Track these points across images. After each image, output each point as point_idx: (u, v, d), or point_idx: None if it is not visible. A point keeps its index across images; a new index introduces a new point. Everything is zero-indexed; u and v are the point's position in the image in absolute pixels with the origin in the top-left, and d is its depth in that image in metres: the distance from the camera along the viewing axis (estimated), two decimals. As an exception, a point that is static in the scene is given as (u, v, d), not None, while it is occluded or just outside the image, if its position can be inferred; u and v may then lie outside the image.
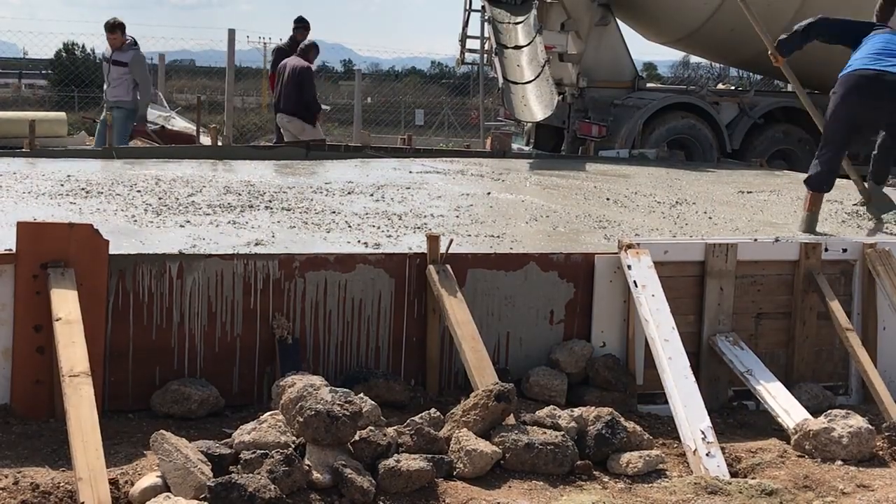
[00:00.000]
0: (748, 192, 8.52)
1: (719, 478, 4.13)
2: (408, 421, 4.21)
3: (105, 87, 11.83)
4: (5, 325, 4.36)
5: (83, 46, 32.92)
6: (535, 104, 12.57)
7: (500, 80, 12.88)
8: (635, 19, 14.34)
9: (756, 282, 5.46)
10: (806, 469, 4.30)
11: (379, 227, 5.89)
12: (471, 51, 15.32)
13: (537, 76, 12.67)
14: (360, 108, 19.08)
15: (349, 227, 5.87)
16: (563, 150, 13.69)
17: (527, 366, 5.11)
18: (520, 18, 13.75)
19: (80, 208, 6.09)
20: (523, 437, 4.12)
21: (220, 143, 11.56)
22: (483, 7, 14.34)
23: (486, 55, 14.60)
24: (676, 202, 7.75)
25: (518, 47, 13.34)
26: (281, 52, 12.47)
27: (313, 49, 11.95)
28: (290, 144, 11.04)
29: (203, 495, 3.46)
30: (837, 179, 7.00)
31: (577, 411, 4.41)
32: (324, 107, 12.82)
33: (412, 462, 3.84)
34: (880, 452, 4.54)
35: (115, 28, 11.70)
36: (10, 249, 4.37)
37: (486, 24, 14.24)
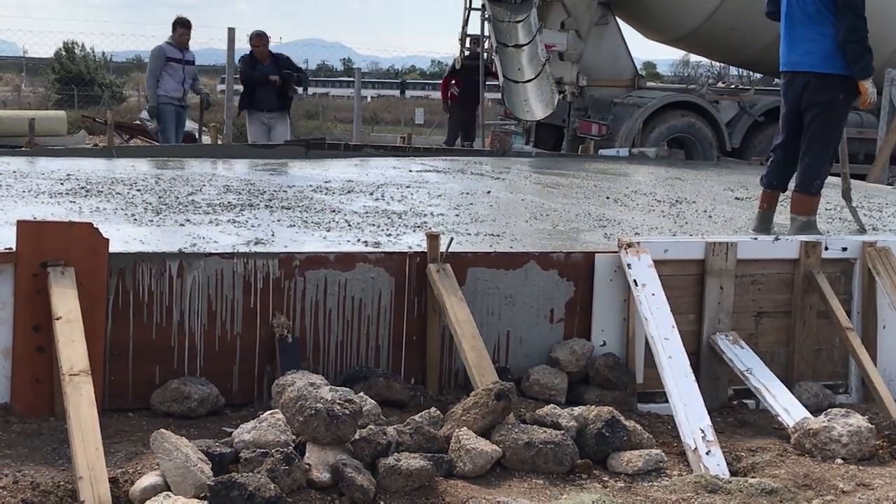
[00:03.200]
0: (746, 199, 8.34)
1: (719, 476, 4.13)
2: (408, 420, 4.21)
3: (172, 84, 11.84)
4: (5, 324, 4.35)
5: (83, 45, 32.93)
6: (536, 103, 12.59)
7: (501, 79, 12.89)
8: (635, 18, 14.35)
9: (756, 281, 5.46)
10: (806, 468, 4.30)
11: (379, 226, 5.89)
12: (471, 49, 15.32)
13: (537, 75, 12.69)
14: (359, 107, 19.07)
15: (349, 225, 5.87)
16: (563, 149, 13.71)
17: (527, 364, 5.11)
18: (520, 17, 13.76)
19: (79, 207, 6.09)
20: (523, 436, 4.12)
21: (220, 142, 11.58)
22: (483, 5, 14.34)
23: (486, 54, 14.61)
24: (676, 201, 7.75)
25: (518, 46, 13.34)
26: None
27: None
28: (289, 143, 11.06)
29: (203, 494, 3.46)
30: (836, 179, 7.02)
31: (577, 410, 4.41)
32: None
33: (412, 461, 3.84)
34: (880, 451, 4.54)
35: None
36: (10, 248, 4.36)
37: (486, 22, 14.24)
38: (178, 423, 4.39)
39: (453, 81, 15.25)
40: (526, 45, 13.25)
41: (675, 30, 14.05)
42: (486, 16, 14.12)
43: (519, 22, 13.67)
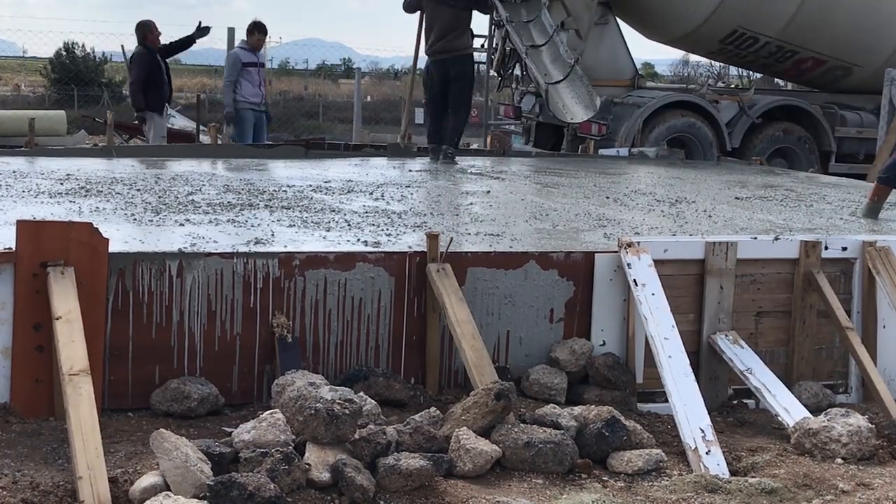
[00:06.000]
0: (746, 199, 8.28)
1: (719, 476, 4.13)
2: (407, 420, 4.21)
3: (251, 89, 11.80)
4: (5, 324, 4.35)
5: (83, 46, 32.90)
6: (574, 105, 12.57)
7: (543, 84, 12.81)
8: (635, 18, 14.35)
9: (756, 280, 5.46)
10: (806, 467, 4.30)
11: (378, 226, 5.89)
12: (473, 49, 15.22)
13: (566, 76, 12.67)
14: (359, 107, 19.07)
15: (349, 225, 5.87)
16: (562, 149, 13.69)
17: (527, 364, 5.11)
18: (529, 17, 13.67)
19: (79, 207, 6.09)
20: (523, 436, 4.12)
21: (219, 142, 11.57)
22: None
23: (490, 53, 14.54)
24: (676, 200, 7.75)
25: (536, 47, 13.28)
26: None
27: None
28: (289, 143, 11.06)
29: (203, 494, 3.46)
30: (840, 179, 7.06)
31: (576, 410, 4.41)
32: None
33: (412, 461, 3.84)
34: (880, 451, 4.54)
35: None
36: (10, 248, 4.36)
37: (499, 26, 14.11)
38: (177, 422, 4.39)
39: None
40: (543, 45, 13.19)
41: (675, 29, 14.05)
42: (498, 18, 13.97)
43: (529, 22, 13.60)
